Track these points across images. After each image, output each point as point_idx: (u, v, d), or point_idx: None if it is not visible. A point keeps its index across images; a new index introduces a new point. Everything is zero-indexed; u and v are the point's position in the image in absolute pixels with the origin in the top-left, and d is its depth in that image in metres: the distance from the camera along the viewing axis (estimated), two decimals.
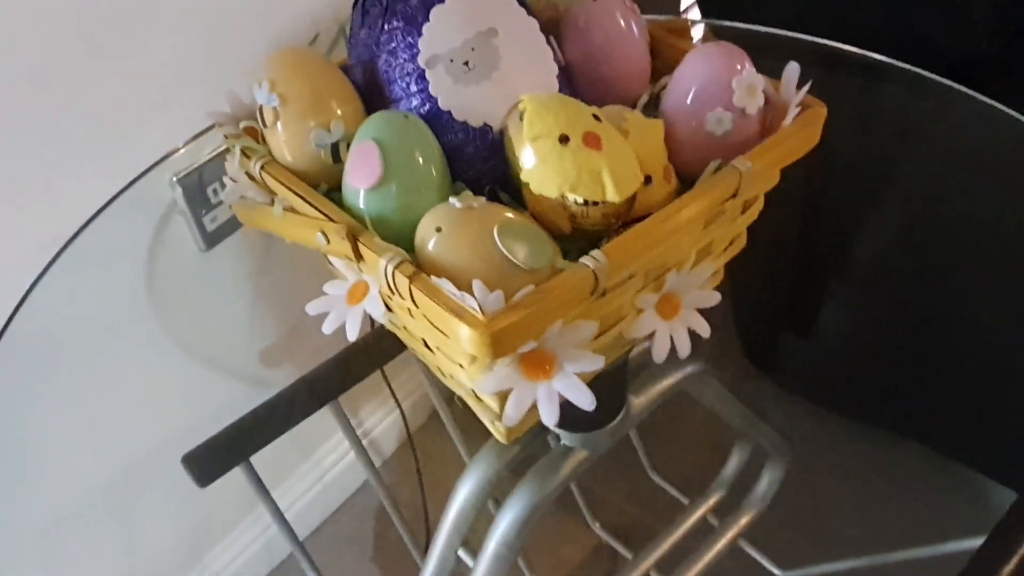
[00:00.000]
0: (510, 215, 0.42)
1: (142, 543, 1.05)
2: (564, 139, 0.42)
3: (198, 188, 0.84)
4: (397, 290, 0.41)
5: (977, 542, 0.66)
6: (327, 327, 0.47)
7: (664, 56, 0.54)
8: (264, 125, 0.47)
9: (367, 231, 0.43)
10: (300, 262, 1.01)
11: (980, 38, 0.99)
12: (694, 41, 0.54)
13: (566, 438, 0.61)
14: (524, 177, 0.43)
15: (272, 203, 0.50)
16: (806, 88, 0.48)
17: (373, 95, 0.49)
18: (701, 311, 0.49)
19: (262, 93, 0.47)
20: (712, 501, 0.95)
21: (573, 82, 0.52)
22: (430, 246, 0.41)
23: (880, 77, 0.85)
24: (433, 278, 0.40)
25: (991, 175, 0.85)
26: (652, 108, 0.53)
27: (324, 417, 0.78)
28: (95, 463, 0.93)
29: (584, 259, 0.40)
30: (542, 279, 0.41)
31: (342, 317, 0.47)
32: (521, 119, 0.44)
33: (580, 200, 0.42)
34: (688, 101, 0.48)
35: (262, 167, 0.48)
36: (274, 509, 0.77)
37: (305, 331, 1.08)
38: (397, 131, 0.44)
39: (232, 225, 0.92)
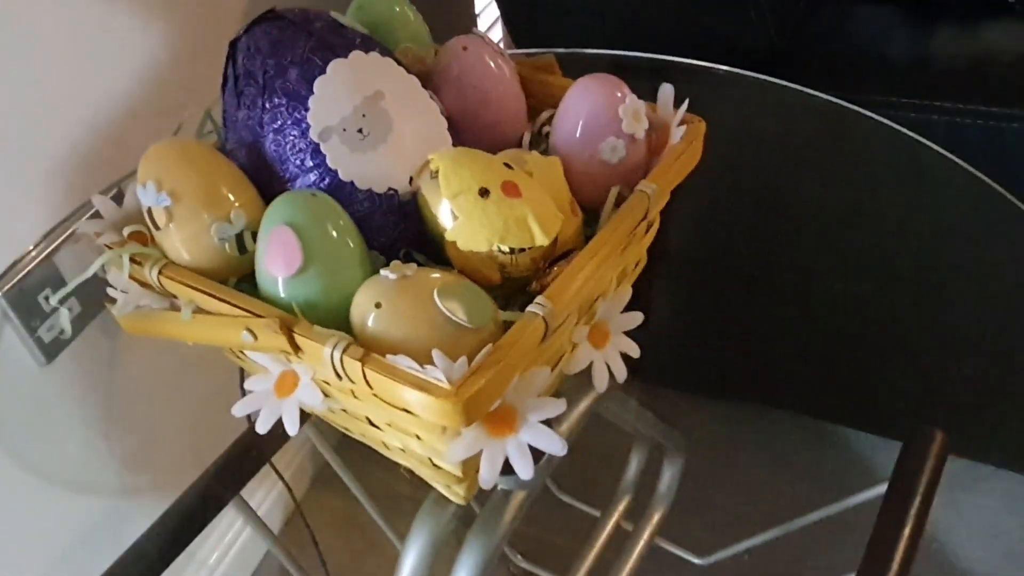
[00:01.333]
0: (444, 277, 0.42)
1: None
2: (484, 192, 0.42)
3: (25, 299, 0.77)
4: (346, 374, 0.40)
5: (873, 492, 0.72)
6: (261, 426, 0.44)
7: (537, 94, 0.55)
8: (156, 227, 0.44)
9: (300, 320, 0.41)
10: (153, 356, 0.95)
11: (768, 32, 1.07)
12: (561, 76, 0.56)
13: (502, 482, 0.60)
14: (450, 236, 0.42)
15: (171, 308, 0.47)
16: (684, 106, 0.50)
17: (264, 177, 0.47)
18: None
19: (149, 194, 0.44)
20: (622, 507, 0.97)
21: (457, 132, 0.52)
22: (370, 323, 0.40)
23: (671, 76, 0.90)
24: (388, 356, 0.38)
25: (791, 148, 0.92)
26: (536, 146, 0.53)
27: None
28: None
29: (531, 308, 0.40)
30: (488, 335, 0.41)
31: (276, 412, 0.44)
32: (433, 178, 0.43)
33: (508, 249, 0.42)
34: (578, 135, 0.49)
35: (160, 271, 0.45)
36: None
37: (168, 428, 1.01)
38: (309, 211, 0.42)
39: (74, 330, 0.85)
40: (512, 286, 0.45)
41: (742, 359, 1.17)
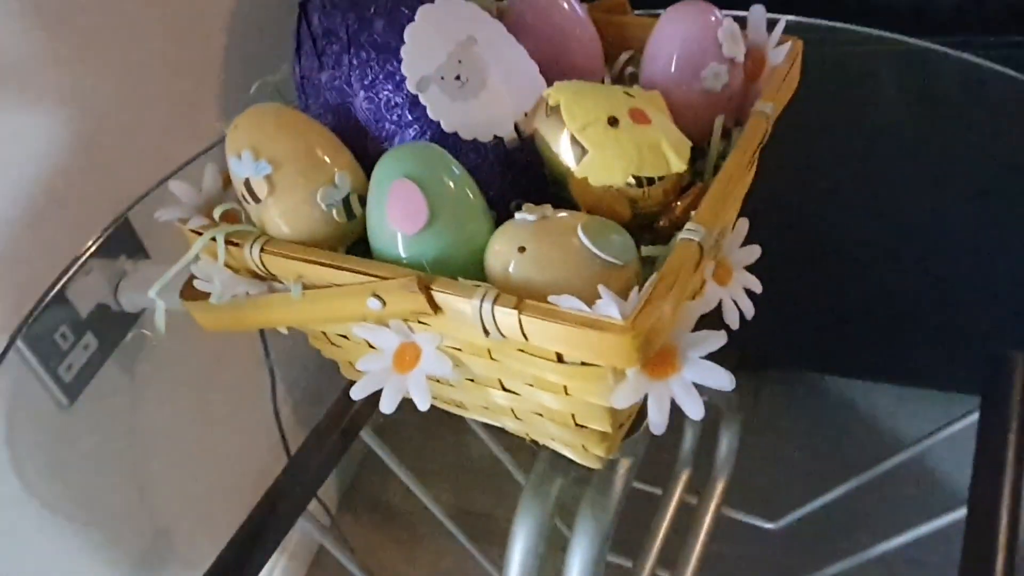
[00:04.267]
0: (581, 216, 0.39)
1: None
2: (613, 121, 0.39)
3: (42, 339, 0.73)
4: (497, 328, 0.36)
5: (966, 421, 0.70)
6: (386, 405, 0.41)
7: (610, 36, 0.52)
8: (256, 200, 0.41)
9: (437, 277, 0.38)
10: (176, 388, 0.90)
11: None
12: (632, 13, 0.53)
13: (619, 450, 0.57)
14: (580, 172, 0.39)
15: (270, 291, 0.43)
16: (782, 25, 0.48)
17: (356, 140, 0.43)
18: None
19: (246, 164, 0.40)
20: (683, 481, 0.94)
21: None
22: (512, 269, 0.37)
23: None
24: (551, 297, 0.35)
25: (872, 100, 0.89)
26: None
27: None
28: None
29: (685, 234, 0.38)
30: (633, 274, 0.38)
31: (401, 390, 0.41)
32: (549, 115, 0.40)
33: (639, 181, 0.40)
34: (674, 67, 0.47)
35: (262, 249, 0.41)
36: None
37: (198, 459, 0.96)
38: (427, 162, 0.39)
39: (93, 367, 0.81)
40: (640, 223, 0.42)
41: (792, 326, 1.14)
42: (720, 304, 0.45)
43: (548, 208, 0.38)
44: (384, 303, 0.38)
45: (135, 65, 0.78)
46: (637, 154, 0.39)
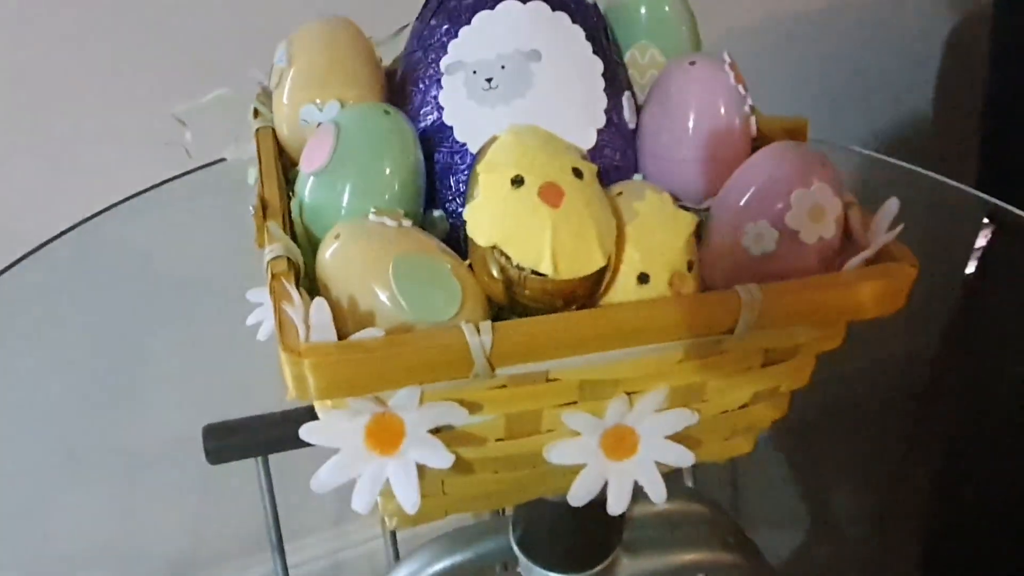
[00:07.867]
0: (432, 251, 0.34)
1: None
2: (518, 181, 0.33)
3: None
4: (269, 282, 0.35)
5: None
6: (263, 333, 0.41)
7: None
8: (271, 86, 0.43)
9: (279, 216, 0.37)
10: None
11: None
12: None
13: None
14: (465, 212, 0.35)
15: None
16: (895, 232, 0.35)
17: (402, 91, 0.43)
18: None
19: (279, 51, 0.43)
20: None
21: (634, 152, 0.43)
22: (327, 254, 0.35)
23: None
24: (287, 283, 0.33)
25: None
26: None
27: None
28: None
29: (466, 325, 0.31)
30: None
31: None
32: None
33: (514, 260, 0.33)
34: (742, 203, 0.37)
35: (257, 130, 0.44)
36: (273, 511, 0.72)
37: None
38: (367, 123, 0.38)
39: None
40: (522, 312, 0.35)
41: None
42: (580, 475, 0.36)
43: (401, 220, 0.35)
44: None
45: None
46: (513, 227, 0.33)
